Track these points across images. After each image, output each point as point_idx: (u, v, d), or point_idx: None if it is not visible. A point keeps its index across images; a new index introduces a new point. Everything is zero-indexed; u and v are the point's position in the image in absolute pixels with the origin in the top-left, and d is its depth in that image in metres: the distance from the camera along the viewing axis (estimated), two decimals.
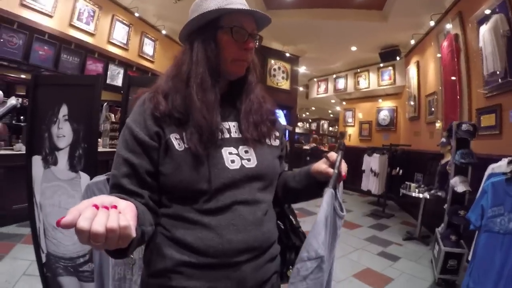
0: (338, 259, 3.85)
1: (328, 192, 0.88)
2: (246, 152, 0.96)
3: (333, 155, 0.99)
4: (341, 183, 1.03)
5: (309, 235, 0.83)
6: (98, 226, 0.53)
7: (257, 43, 1.00)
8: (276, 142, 1.09)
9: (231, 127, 0.98)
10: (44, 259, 2.22)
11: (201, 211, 0.87)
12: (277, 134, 1.10)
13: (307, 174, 1.05)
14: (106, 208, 0.57)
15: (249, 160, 0.95)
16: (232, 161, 0.92)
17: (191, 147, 0.87)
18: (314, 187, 0.95)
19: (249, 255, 0.89)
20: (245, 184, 0.92)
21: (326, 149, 8.91)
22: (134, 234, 0.59)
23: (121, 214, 0.58)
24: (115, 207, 0.59)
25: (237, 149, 0.95)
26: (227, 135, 0.96)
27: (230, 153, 0.93)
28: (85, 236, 0.53)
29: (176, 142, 0.89)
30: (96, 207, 0.56)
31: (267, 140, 1.04)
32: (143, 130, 0.89)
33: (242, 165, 0.93)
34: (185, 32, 0.99)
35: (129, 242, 0.60)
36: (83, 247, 2.04)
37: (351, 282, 3.35)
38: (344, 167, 0.98)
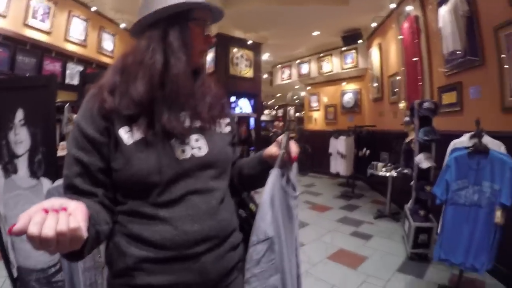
0: (312, 242, 3.94)
1: (273, 172, 0.89)
2: (196, 140, 0.95)
3: (281, 137, 1.00)
4: (295, 165, 1.05)
5: (256, 218, 0.84)
6: (48, 230, 0.52)
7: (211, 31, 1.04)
8: (227, 129, 1.09)
9: (182, 115, 0.97)
10: (15, 274, 2.15)
11: (156, 205, 0.87)
12: (228, 120, 1.11)
13: (260, 160, 1.07)
14: (56, 211, 0.56)
15: (199, 148, 0.95)
16: (183, 151, 0.91)
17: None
18: (268, 172, 0.94)
19: (207, 245, 0.88)
20: (197, 173, 0.92)
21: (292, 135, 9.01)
22: (85, 235, 0.59)
23: (71, 216, 0.57)
24: (65, 209, 0.58)
25: (187, 137, 0.95)
26: None
27: (180, 143, 0.92)
28: (37, 241, 0.52)
29: (126, 136, 0.87)
30: (46, 211, 0.55)
31: (217, 128, 1.04)
32: (92, 126, 0.87)
33: (192, 155, 0.93)
34: (150, 19, 0.94)
35: (81, 243, 0.60)
36: (53, 256, 1.98)
37: (326, 264, 3.40)
38: (294, 148, 1.01)
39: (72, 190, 0.85)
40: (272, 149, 1.01)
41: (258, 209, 0.84)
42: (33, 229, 0.52)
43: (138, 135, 0.87)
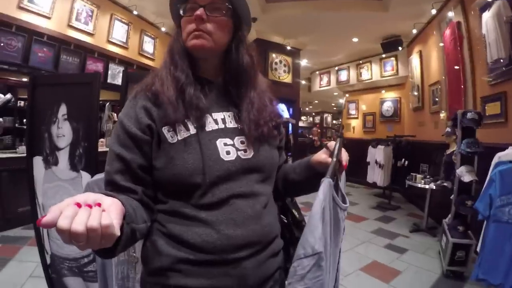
0: (344, 252, 3.84)
1: (325, 182, 0.83)
2: (242, 142, 0.93)
3: (332, 144, 0.96)
4: (344, 174, 1.00)
5: (305, 230, 0.79)
6: (78, 225, 0.51)
7: (227, 13, 0.93)
8: (274, 132, 1.05)
9: (226, 117, 0.96)
10: (48, 261, 2.23)
11: (197, 206, 0.85)
12: (275, 123, 1.07)
13: (307, 166, 1.03)
14: (89, 206, 0.55)
15: (245, 151, 0.92)
16: (228, 152, 0.89)
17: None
18: (315, 178, 0.89)
19: (249, 251, 0.86)
20: (241, 176, 0.89)
21: (325, 142, 8.90)
22: (117, 233, 0.57)
23: (104, 212, 0.56)
24: (99, 204, 0.57)
25: (232, 139, 0.92)
26: (221, 125, 0.94)
27: (225, 144, 0.90)
28: (66, 235, 0.51)
29: (169, 134, 0.87)
30: (79, 205, 0.54)
31: (269, 140, 1.01)
32: (135, 124, 0.87)
33: (238, 156, 0.90)
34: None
35: (113, 241, 0.58)
36: None
37: (358, 276, 3.32)
38: (344, 156, 0.96)
39: (112, 186, 0.85)
40: (321, 156, 0.98)
41: (308, 221, 0.79)
42: (63, 223, 0.50)
43: (182, 134, 0.87)
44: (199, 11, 0.88)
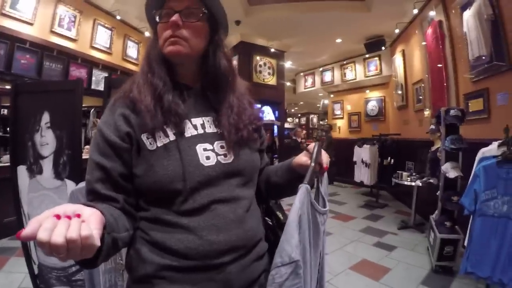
0: (334, 252, 3.88)
1: (302, 188, 0.84)
2: (222, 147, 0.92)
3: (312, 146, 0.96)
4: (325, 175, 1.00)
5: (282, 238, 0.79)
6: (58, 237, 0.50)
7: (203, 18, 0.93)
8: (254, 135, 1.04)
9: (205, 122, 0.95)
10: (36, 271, 2.20)
11: (179, 213, 0.84)
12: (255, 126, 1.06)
13: (289, 168, 1.03)
14: (69, 217, 0.54)
15: (225, 155, 0.92)
16: (207, 158, 0.89)
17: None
18: (297, 181, 0.90)
19: (233, 255, 0.85)
20: (222, 181, 0.89)
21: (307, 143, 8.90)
22: (98, 243, 0.57)
23: (84, 223, 0.55)
24: (79, 215, 0.57)
25: (212, 144, 0.92)
26: (201, 131, 0.93)
27: (205, 149, 0.90)
28: (47, 247, 0.50)
29: (148, 141, 0.87)
30: (58, 217, 0.53)
31: (249, 143, 1.01)
32: (114, 132, 0.86)
33: (218, 161, 0.90)
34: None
35: (94, 252, 0.58)
36: None
37: (348, 275, 3.33)
38: (325, 158, 0.97)
39: (93, 195, 0.85)
40: (302, 158, 0.97)
41: (285, 229, 0.78)
42: (42, 235, 0.50)
43: (161, 140, 0.87)
44: (175, 17, 0.88)
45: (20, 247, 2.24)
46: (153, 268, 0.83)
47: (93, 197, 0.84)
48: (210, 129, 0.94)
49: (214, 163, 0.89)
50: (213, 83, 0.98)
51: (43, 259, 2.14)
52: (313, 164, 0.90)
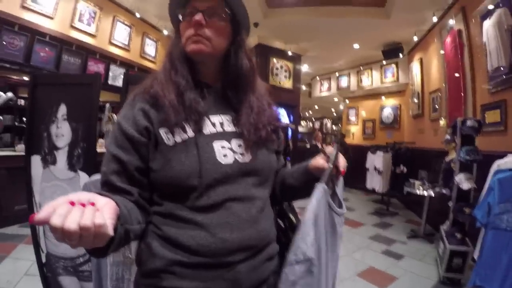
0: (341, 258, 3.77)
1: (318, 187, 0.83)
2: (239, 146, 0.93)
3: (330, 149, 0.96)
4: (341, 179, 1.00)
5: (296, 236, 0.79)
6: (71, 223, 0.51)
7: (226, 18, 0.95)
8: (272, 136, 1.05)
9: (224, 121, 0.96)
10: (44, 259, 2.22)
11: (193, 209, 0.85)
12: (273, 127, 1.07)
13: (305, 171, 1.03)
14: (83, 205, 0.55)
15: (242, 154, 0.92)
16: (225, 155, 0.89)
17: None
18: (313, 183, 0.89)
19: (244, 255, 0.85)
20: (238, 179, 0.89)
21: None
22: (111, 233, 0.57)
23: (98, 212, 0.56)
24: (93, 204, 0.57)
25: (230, 143, 0.92)
26: (219, 129, 0.94)
27: (223, 147, 0.90)
28: (59, 233, 0.51)
29: (167, 136, 0.87)
30: (72, 203, 0.54)
31: (267, 143, 1.01)
32: (132, 126, 0.88)
33: (235, 160, 0.90)
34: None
35: (106, 241, 0.59)
36: (82, 247, 2.03)
37: (354, 281, 3.31)
38: (342, 162, 0.96)
39: (108, 187, 0.85)
40: (319, 161, 0.97)
41: (300, 227, 0.79)
42: (56, 221, 0.51)
43: (180, 136, 0.87)
44: (198, 16, 0.89)
45: (29, 234, 2.27)
46: (163, 263, 0.84)
47: (108, 189, 0.85)
48: (229, 127, 0.95)
49: (231, 162, 0.89)
50: (234, 83, 0.99)
51: (51, 248, 2.16)
52: (331, 166, 0.90)
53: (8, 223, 4.06)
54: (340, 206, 0.94)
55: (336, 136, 9.83)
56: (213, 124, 0.93)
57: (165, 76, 0.93)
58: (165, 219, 0.87)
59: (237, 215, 0.86)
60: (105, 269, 1.80)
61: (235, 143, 0.93)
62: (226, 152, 0.90)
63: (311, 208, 0.80)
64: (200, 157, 0.86)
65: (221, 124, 0.95)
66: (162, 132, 0.88)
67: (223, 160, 0.88)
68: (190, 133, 0.88)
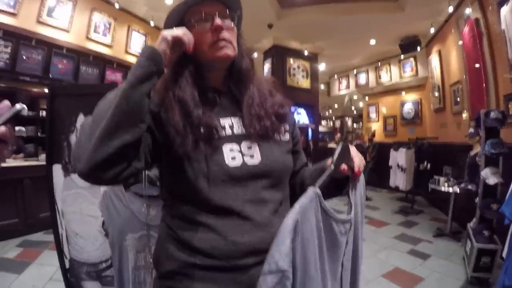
0: (366, 258, 3.75)
1: (308, 192, 0.79)
2: (249, 148, 0.92)
3: (353, 149, 0.94)
4: (362, 179, 0.96)
5: (272, 245, 0.75)
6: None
7: (234, 20, 0.96)
8: (286, 136, 1.04)
9: (234, 123, 0.95)
10: (67, 265, 2.28)
11: (205, 212, 0.86)
12: (287, 128, 1.05)
13: (322, 171, 0.98)
14: None
15: (252, 156, 0.91)
16: (233, 158, 0.88)
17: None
18: (330, 184, 0.88)
19: (258, 258, 0.83)
20: (248, 182, 0.88)
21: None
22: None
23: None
24: None
25: (239, 145, 0.91)
26: (229, 132, 0.93)
27: (231, 150, 0.90)
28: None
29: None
30: None
31: (275, 135, 0.98)
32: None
33: (244, 162, 0.89)
34: None
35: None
36: (105, 253, 2.08)
37: (379, 283, 3.24)
38: (357, 161, 0.93)
39: None
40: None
41: (277, 235, 0.75)
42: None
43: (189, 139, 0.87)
44: (218, 21, 0.89)
45: (53, 241, 2.35)
46: (178, 265, 0.86)
47: None
48: (239, 130, 0.94)
49: (239, 164, 0.88)
50: (238, 83, 0.99)
51: (74, 254, 2.21)
52: (332, 167, 0.87)
53: (34, 230, 4.22)
54: (348, 211, 0.90)
55: (352, 133, 9.55)
56: (223, 128, 0.92)
57: (172, 92, 0.91)
58: (179, 222, 0.89)
59: (248, 218, 0.85)
60: (127, 273, 1.83)
61: (244, 145, 0.92)
62: (235, 155, 0.89)
63: (290, 214, 0.76)
64: (208, 160, 0.86)
65: (231, 126, 0.94)
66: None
67: (231, 163, 0.87)
68: (200, 136, 0.88)
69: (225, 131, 0.92)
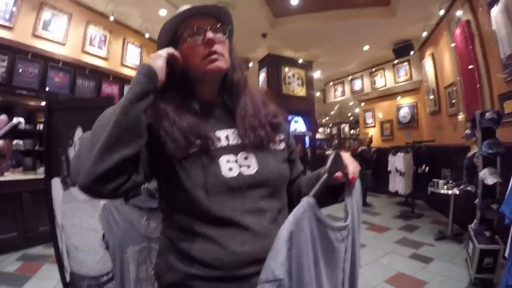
0: (368, 264, 3.77)
1: (301, 202, 0.79)
2: (245, 158, 0.92)
3: (346, 156, 0.94)
4: (357, 185, 0.95)
5: (268, 255, 0.75)
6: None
7: (226, 34, 0.99)
8: (281, 146, 1.04)
9: (229, 134, 0.96)
10: (68, 279, 2.28)
11: (204, 223, 0.86)
12: (282, 137, 1.06)
13: (318, 179, 0.97)
14: None
15: (248, 166, 0.91)
16: (230, 169, 0.89)
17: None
18: (326, 192, 0.88)
19: (258, 267, 0.81)
20: (245, 192, 0.89)
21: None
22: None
23: None
24: None
25: (236, 156, 0.92)
26: (224, 143, 0.94)
27: (228, 161, 0.90)
28: None
29: (174, 151, 0.88)
30: None
31: (270, 145, 0.99)
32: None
33: (240, 173, 0.89)
34: None
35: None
36: (106, 266, 2.07)
37: None
38: (351, 167, 0.92)
39: None
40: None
41: (273, 245, 0.76)
42: None
43: (187, 151, 0.88)
44: (210, 34, 0.92)
45: (54, 254, 2.33)
46: (179, 276, 0.86)
47: None
48: (234, 141, 0.95)
49: (236, 175, 0.88)
50: (231, 94, 1.01)
51: (75, 268, 2.21)
52: (325, 176, 0.87)
53: (33, 243, 4.19)
54: (345, 218, 0.90)
55: (349, 139, 9.52)
56: (219, 139, 0.93)
57: (168, 104, 0.93)
58: (179, 234, 0.89)
59: (247, 228, 0.85)
60: (129, 286, 1.82)
61: (241, 156, 0.92)
62: (232, 165, 0.89)
63: (285, 225, 0.76)
64: (205, 172, 0.86)
65: (227, 138, 0.95)
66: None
67: (227, 174, 0.88)
68: (196, 148, 0.88)
69: (221, 142, 0.93)
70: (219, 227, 0.85)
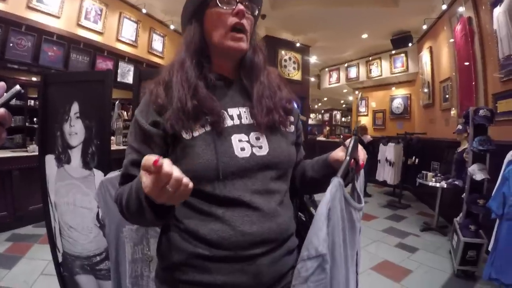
0: None
1: (334, 181, 0.80)
2: (257, 139, 0.91)
3: (348, 142, 0.94)
4: (362, 172, 0.98)
5: (309, 231, 0.76)
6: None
7: (255, 13, 0.97)
8: (291, 128, 1.03)
9: (241, 113, 0.94)
10: (60, 259, 2.23)
11: (213, 202, 0.85)
12: (292, 120, 1.04)
13: (325, 163, 1.01)
14: None
15: (260, 147, 0.90)
16: (242, 149, 0.88)
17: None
18: (332, 176, 0.86)
19: (265, 248, 0.85)
20: (256, 173, 0.88)
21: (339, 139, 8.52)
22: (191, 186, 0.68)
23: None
24: None
25: (247, 136, 0.91)
26: (237, 121, 0.92)
27: (240, 140, 0.89)
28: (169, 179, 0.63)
29: (184, 130, 0.87)
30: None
31: (281, 127, 0.98)
32: (147, 120, 0.89)
33: (252, 153, 0.88)
34: (182, 21, 1.00)
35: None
36: (99, 246, 2.04)
37: (369, 275, 3.30)
38: (361, 155, 0.94)
39: (127, 178, 0.88)
40: (339, 153, 0.95)
41: (313, 222, 0.76)
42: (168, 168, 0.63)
43: (197, 130, 0.87)
44: (241, 6, 0.88)
45: (44, 234, 2.30)
46: (184, 256, 0.85)
47: (127, 180, 0.88)
48: (247, 120, 0.94)
49: (248, 155, 0.88)
50: (249, 75, 0.99)
51: (68, 247, 2.16)
52: (348, 158, 0.88)
53: (23, 223, 4.10)
54: (359, 201, 0.92)
55: (356, 128, 9.60)
56: (231, 117, 0.92)
57: (180, 75, 0.91)
58: (186, 213, 0.88)
59: (256, 208, 0.86)
60: (124, 266, 1.80)
61: (252, 136, 0.91)
62: (244, 145, 0.89)
63: (324, 202, 0.77)
64: (217, 151, 0.85)
65: (239, 116, 0.94)
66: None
67: (240, 154, 0.87)
68: (208, 127, 0.88)
69: (233, 121, 0.92)
70: (228, 207, 0.84)
